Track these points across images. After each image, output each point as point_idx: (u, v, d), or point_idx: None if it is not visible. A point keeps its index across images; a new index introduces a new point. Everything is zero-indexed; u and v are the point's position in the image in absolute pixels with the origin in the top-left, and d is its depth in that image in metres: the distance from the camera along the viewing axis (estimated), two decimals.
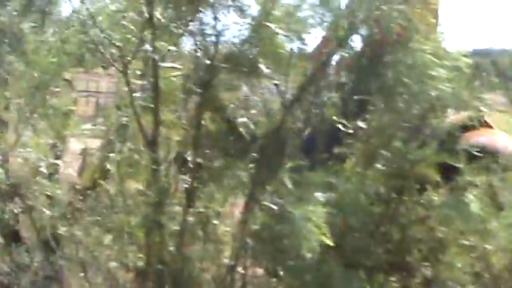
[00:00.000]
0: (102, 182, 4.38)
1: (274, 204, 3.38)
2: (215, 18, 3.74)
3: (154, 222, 3.77)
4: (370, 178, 3.96)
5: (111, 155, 4.25)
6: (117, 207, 4.10)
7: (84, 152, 6.12)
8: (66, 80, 4.81)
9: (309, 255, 3.11)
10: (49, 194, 4.50)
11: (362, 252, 3.80)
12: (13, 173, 4.42)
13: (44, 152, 4.42)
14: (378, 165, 4.03)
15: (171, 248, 3.90)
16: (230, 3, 3.71)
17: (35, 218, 4.52)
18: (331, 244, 3.22)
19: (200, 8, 3.74)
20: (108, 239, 4.34)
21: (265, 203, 3.42)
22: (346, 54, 4.00)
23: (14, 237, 5.36)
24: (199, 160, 3.87)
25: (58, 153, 4.92)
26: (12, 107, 4.75)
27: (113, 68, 4.15)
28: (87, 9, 3.93)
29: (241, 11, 3.69)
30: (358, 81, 4.16)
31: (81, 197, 4.73)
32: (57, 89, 4.81)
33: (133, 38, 3.83)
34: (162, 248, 3.88)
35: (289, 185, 3.41)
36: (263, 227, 3.43)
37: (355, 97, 4.06)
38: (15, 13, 5.26)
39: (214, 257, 3.91)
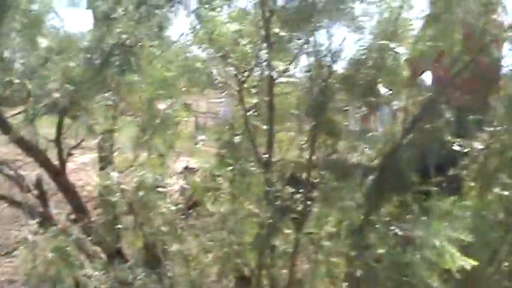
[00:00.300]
0: (207, 201, 4.42)
1: (401, 229, 3.31)
2: (331, 38, 3.72)
3: (267, 243, 3.76)
4: (489, 203, 3.84)
5: (220, 173, 4.25)
6: (227, 227, 4.11)
7: (187, 171, 6.23)
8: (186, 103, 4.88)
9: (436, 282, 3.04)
10: (158, 211, 4.55)
11: (482, 277, 3.68)
12: (127, 191, 4.50)
13: (156, 170, 4.48)
14: (497, 190, 3.89)
15: (282, 270, 3.88)
16: (347, 22, 3.68)
17: (144, 235, 4.59)
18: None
19: (316, 28, 3.72)
20: (215, 257, 4.38)
21: (393, 227, 3.34)
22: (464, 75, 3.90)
23: (118, 254, 5.51)
24: (312, 181, 3.85)
25: (167, 170, 5.00)
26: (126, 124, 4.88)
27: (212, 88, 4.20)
28: (204, 26, 3.97)
29: (359, 30, 3.66)
30: (475, 101, 4.07)
31: (184, 215, 4.79)
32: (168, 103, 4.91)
33: (250, 56, 3.84)
34: (273, 268, 3.87)
35: (415, 210, 3.34)
36: (389, 252, 3.36)
37: (472, 117, 3.96)
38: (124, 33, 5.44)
39: (325, 279, 3.87)
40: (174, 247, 4.46)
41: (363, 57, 3.68)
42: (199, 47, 4.07)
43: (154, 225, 4.42)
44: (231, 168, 4.04)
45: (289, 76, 3.93)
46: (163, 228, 4.45)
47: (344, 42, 3.81)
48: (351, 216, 3.78)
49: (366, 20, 3.66)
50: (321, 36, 3.81)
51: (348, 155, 3.84)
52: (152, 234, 4.54)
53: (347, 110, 3.87)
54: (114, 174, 4.54)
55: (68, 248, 5.00)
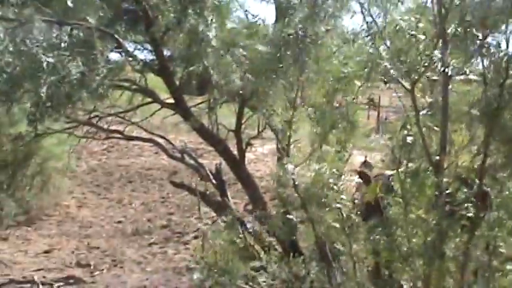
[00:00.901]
0: (383, 199, 4.54)
1: None
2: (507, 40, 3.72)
3: (436, 249, 3.86)
4: None
5: (394, 172, 4.34)
6: (397, 229, 4.22)
7: (365, 166, 6.39)
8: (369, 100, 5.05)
9: None
10: (330, 209, 4.72)
11: None
12: (302, 185, 4.72)
13: (332, 165, 4.66)
14: None
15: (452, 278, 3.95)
16: None
17: (315, 231, 4.81)
18: None
19: (497, 29, 3.73)
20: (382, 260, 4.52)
21: None
22: None
23: (292, 247, 5.80)
24: (485, 188, 3.88)
25: (342, 165, 5.18)
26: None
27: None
28: (376, 23, 4.11)
29: None
30: None
31: (359, 212, 4.95)
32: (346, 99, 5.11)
33: (423, 55, 3.92)
34: (443, 277, 3.94)
35: None
36: None
37: None
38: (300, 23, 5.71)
39: None
40: (343, 245, 4.65)
41: None
42: (374, 43, 4.21)
43: (326, 222, 4.63)
44: (402, 168, 4.14)
45: (466, 76, 3.95)
46: (335, 226, 4.65)
47: None
48: None
49: None
50: (501, 37, 3.82)
51: None
52: (323, 230, 4.76)
53: None
54: (290, 167, 4.76)
55: (238, 240, 5.37)
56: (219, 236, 5.47)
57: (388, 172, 4.60)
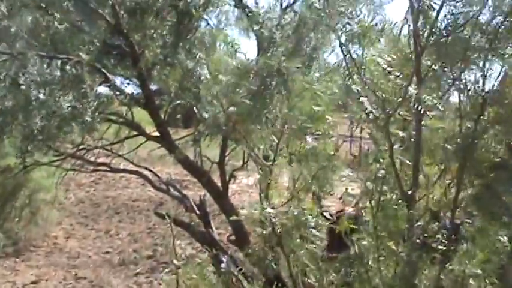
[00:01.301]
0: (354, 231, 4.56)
1: None
2: (484, 76, 3.78)
3: (406, 282, 3.87)
4: None
5: (367, 205, 4.36)
6: (369, 261, 4.24)
7: (344, 197, 6.39)
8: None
9: None
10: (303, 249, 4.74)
11: None
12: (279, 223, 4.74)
13: (308, 208, 4.67)
14: None
15: None
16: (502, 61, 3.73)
17: (292, 264, 4.83)
18: None
19: (469, 65, 3.78)
20: None
21: None
22: None
23: (275, 278, 5.81)
24: (457, 220, 3.91)
25: (319, 197, 5.18)
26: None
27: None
28: (353, 58, 4.15)
29: None
30: None
31: (335, 243, 4.97)
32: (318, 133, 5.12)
33: (398, 90, 3.95)
34: None
35: None
36: None
37: None
38: (282, 57, 5.76)
39: None
40: (315, 278, 4.66)
41: None
42: (349, 79, 4.24)
43: (300, 260, 4.64)
44: (374, 201, 4.15)
45: (439, 111, 3.97)
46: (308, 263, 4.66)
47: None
48: (497, 257, 3.79)
49: None
50: (473, 73, 3.87)
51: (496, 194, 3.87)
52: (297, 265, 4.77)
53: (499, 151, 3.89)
54: (268, 209, 4.77)
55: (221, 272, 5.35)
56: (199, 268, 5.45)
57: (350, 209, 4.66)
